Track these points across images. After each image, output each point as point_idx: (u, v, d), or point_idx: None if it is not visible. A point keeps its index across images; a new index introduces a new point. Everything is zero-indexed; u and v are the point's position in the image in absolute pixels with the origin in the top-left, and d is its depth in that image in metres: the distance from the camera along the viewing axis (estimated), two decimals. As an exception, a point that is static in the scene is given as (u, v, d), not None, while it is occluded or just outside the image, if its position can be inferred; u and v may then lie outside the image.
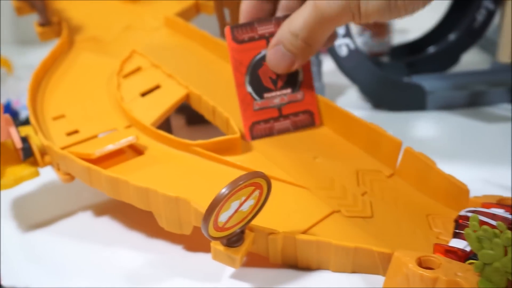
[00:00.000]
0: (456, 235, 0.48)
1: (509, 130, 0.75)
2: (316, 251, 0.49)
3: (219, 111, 0.63)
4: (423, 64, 0.94)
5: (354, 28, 1.05)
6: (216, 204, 0.44)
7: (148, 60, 0.72)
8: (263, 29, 0.53)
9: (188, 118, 0.84)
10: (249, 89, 0.50)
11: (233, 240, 0.48)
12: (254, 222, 0.50)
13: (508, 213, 0.47)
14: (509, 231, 0.39)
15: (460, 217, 0.48)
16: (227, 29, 0.53)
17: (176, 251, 0.55)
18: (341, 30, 0.82)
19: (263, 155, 0.59)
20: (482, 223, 0.46)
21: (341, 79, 0.89)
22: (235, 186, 0.44)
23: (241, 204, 0.46)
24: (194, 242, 0.56)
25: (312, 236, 0.49)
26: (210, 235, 0.46)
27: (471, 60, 0.98)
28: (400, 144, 0.57)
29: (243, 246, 0.48)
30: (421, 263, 0.45)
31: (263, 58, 0.52)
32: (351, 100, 0.89)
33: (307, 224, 0.51)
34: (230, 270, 0.52)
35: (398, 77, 0.86)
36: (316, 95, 0.58)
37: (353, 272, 0.50)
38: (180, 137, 0.60)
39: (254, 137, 0.49)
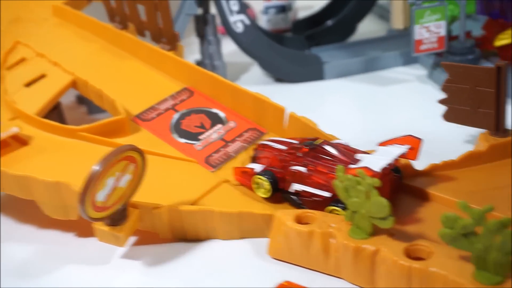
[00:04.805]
0: (252, 160, 0.54)
1: (402, 91, 0.78)
2: (202, 220, 0.49)
3: (105, 94, 0.62)
4: (323, 36, 0.95)
5: (258, 6, 1.06)
6: (89, 183, 0.43)
7: (32, 50, 0.70)
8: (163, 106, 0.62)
9: (89, 107, 0.82)
10: (182, 141, 0.57)
11: (116, 219, 0.48)
12: (141, 199, 0.49)
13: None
14: (369, 177, 0.40)
15: (257, 145, 0.55)
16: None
17: (68, 239, 0.54)
18: (234, 7, 0.82)
19: (152, 134, 0.59)
20: (269, 147, 0.53)
21: (243, 57, 0.89)
22: (106, 162, 0.44)
23: (117, 180, 0.46)
24: (88, 228, 0.55)
25: (195, 206, 0.49)
26: (89, 216, 0.45)
27: (370, 29, 1.01)
28: (283, 110, 0.57)
29: (127, 224, 0.48)
30: (299, 220, 0.46)
31: (180, 118, 0.60)
32: (253, 77, 0.89)
33: (195, 196, 0.52)
34: (121, 250, 0.51)
35: (296, 49, 0.87)
36: (247, 119, 0.60)
37: (242, 238, 0.50)
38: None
39: (215, 166, 0.55)
